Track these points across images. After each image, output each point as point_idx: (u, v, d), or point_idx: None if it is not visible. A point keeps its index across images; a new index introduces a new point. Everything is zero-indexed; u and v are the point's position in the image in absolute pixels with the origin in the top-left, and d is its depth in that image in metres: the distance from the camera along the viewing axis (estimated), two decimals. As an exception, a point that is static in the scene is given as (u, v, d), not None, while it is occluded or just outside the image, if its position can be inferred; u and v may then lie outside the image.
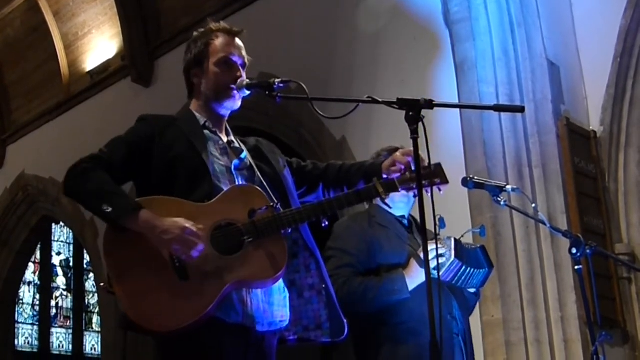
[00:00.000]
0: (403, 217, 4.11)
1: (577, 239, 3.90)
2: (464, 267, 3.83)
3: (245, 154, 3.39)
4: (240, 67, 3.40)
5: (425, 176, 3.06)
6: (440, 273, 3.77)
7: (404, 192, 3.30)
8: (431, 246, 3.65)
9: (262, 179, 3.31)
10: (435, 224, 3.05)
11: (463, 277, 3.87)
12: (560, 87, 6.63)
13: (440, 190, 3.25)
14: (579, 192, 6.38)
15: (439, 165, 3.29)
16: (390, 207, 3.71)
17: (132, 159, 3.24)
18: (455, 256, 3.78)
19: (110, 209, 3.03)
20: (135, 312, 2.98)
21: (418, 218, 2.92)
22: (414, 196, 3.31)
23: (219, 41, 3.43)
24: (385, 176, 3.31)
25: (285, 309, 3.24)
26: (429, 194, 3.05)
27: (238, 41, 3.45)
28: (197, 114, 3.42)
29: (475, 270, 3.90)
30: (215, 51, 3.41)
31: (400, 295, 3.81)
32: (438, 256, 3.74)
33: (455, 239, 3.83)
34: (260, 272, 3.05)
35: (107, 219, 3.06)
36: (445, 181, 3.30)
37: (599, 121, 6.82)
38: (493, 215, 6.22)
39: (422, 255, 3.74)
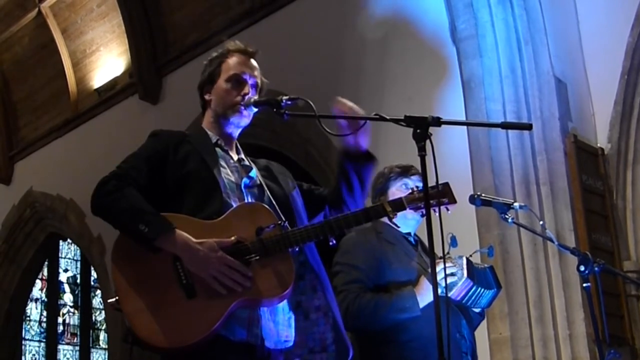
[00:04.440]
0: (409, 234, 4.11)
1: (585, 256, 3.89)
2: (474, 287, 3.84)
3: (254, 171, 3.40)
4: (251, 87, 3.42)
5: (433, 195, 3.07)
6: (452, 292, 3.79)
7: (411, 211, 3.31)
8: (442, 265, 3.66)
9: (271, 197, 3.31)
10: (442, 243, 3.04)
11: (473, 297, 3.87)
12: (568, 104, 6.63)
13: (448, 209, 3.26)
14: (587, 209, 6.37)
15: (446, 185, 3.30)
16: (398, 227, 3.75)
17: (151, 175, 3.25)
18: (467, 276, 3.78)
19: (146, 229, 3.02)
20: (142, 328, 2.97)
21: (426, 235, 2.92)
22: (421, 216, 3.31)
23: (232, 60, 3.47)
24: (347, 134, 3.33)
25: (290, 329, 3.23)
26: (437, 214, 3.05)
27: (252, 62, 3.49)
28: (208, 132, 3.45)
29: (485, 290, 3.91)
30: (227, 69, 3.45)
31: (410, 312, 3.80)
32: (449, 275, 3.76)
33: (467, 258, 3.83)
34: (267, 290, 3.04)
35: (142, 239, 3.05)
36: (453, 201, 3.31)
37: (606, 138, 6.81)
38: (501, 233, 6.21)
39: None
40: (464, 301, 3.86)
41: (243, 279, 3.01)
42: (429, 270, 3.80)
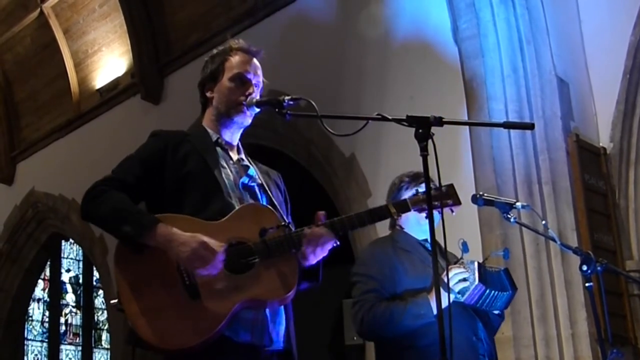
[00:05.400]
0: (426, 240, 4.09)
1: (587, 255, 3.89)
2: (487, 291, 3.85)
3: (253, 171, 3.40)
4: (254, 86, 3.41)
5: (438, 197, 3.06)
6: (465, 297, 3.79)
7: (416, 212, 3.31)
8: (455, 270, 3.69)
9: (271, 197, 3.32)
10: (445, 244, 3.03)
11: (487, 300, 3.88)
12: (570, 103, 6.62)
13: (452, 211, 3.25)
14: (589, 209, 6.36)
15: (451, 186, 3.30)
16: (402, 228, 3.82)
17: (146, 177, 3.24)
18: (479, 280, 3.79)
19: (129, 228, 3.02)
20: (145, 330, 2.97)
21: (442, 240, 2.95)
22: (426, 217, 3.30)
23: (235, 58, 3.45)
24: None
25: (289, 330, 3.24)
26: (441, 215, 3.06)
27: (255, 61, 3.48)
28: (209, 130, 3.44)
29: (499, 293, 3.91)
30: (231, 67, 3.43)
31: (425, 319, 3.78)
32: (462, 280, 3.76)
33: (478, 263, 3.85)
34: (271, 291, 3.04)
35: (126, 239, 3.05)
36: (457, 202, 3.31)
37: (608, 137, 6.80)
38: (503, 232, 6.21)
39: (445, 278, 3.74)
40: (478, 305, 3.87)
41: (211, 255, 2.97)
42: (444, 275, 3.79)
